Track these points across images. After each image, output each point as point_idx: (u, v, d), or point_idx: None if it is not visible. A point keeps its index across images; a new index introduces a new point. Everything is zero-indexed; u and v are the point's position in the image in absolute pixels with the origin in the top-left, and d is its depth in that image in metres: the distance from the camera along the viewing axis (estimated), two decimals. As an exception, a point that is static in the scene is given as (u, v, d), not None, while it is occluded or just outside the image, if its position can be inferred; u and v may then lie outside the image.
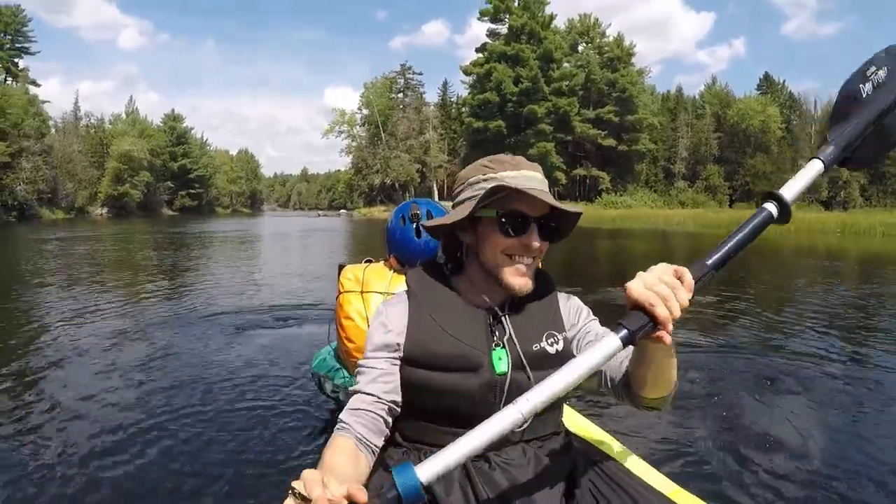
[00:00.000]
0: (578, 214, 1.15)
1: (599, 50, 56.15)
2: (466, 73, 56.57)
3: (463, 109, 59.67)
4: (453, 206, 1.22)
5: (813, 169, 1.00)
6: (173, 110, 77.68)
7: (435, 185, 60.64)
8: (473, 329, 1.13)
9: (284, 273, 10.12)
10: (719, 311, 6.46)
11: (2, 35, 54.45)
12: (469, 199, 1.14)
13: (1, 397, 3.46)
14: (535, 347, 1.13)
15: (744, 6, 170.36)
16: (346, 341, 2.13)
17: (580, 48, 57.59)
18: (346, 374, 2.40)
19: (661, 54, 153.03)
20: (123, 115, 70.46)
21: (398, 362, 1.14)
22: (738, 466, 2.49)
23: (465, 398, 1.10)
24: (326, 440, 1.08)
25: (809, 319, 5.95)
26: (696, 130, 57.28)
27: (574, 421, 1.62)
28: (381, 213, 49.73)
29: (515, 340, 1.13)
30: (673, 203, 51.58)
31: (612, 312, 6.34)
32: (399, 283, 2.04)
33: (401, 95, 69.28)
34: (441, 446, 1.00)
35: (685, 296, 0.84)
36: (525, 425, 0.93)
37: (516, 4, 53.48)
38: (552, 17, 54.67)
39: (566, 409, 1.48)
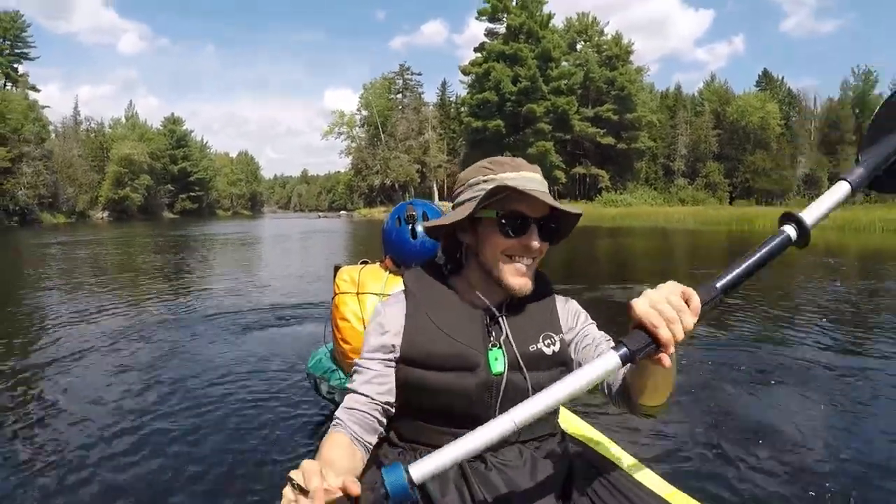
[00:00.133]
0: (578, 215, 1.15)
1: (598, 48, 56.21)
2: (465, 72, 56.63)
3: (462, 109, 59.74)
4: (453, 208, 1.21)
5: (839, 191, 0.93)
6: (173, 114, 77.87)
7: (435, 185, 60.68)
8: (470, 329, 1.14)
9: (285, 274, 10.17)
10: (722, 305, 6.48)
11: (1, 41, 54.55)
12: (469, 200, 1.15)
13: (7, 395, 3.55)
14: (532, 348, 1.14)
15: (743, 3, 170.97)
16: (341, 342, 2.13)
17: (578, 47, 57.63)
18: (341, 375, 2.39)
19: (659, 52, 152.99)
20: (123, 120, 70.59)
21: (393, 364, 1.14)
22: (733, 466, 2.48)
23: (461, 398, 1.10)
24: (321, 441, 1.11)
25: (805, 314, 5.99)
26: (695, 128, 57.31)
27: (570, 422, 1.63)
28: (382, 213, 49.72)
29: (512, 341, 1.13)
30: (673, 200, 51.62)
31: (611, 310, 6.40)
32: (395, 285, 2.04)
33: (400, 96, 69.37)
34: (437, 446, 1.02)
35: (691, 320, 0.82)
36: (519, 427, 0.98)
37: (514, 4, 53.51)
38: (550, 16, 54.74)
39: (562, 410, 1.49)
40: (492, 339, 1.14)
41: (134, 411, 3.22)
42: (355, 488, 0.78)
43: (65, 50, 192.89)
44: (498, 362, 1.11)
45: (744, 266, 0.89)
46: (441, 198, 55.39)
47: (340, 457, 1.04)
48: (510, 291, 1.14)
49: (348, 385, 1.17)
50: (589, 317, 1.26)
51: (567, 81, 52.99)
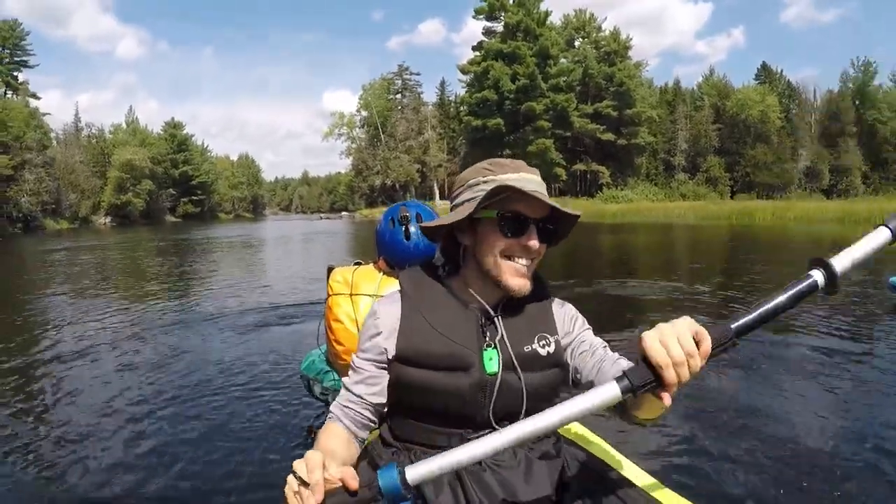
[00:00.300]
0: (576, 217, 1.15)
1: (596, 45, 56.05)
2: (464, 71, 56.60)
3: (461, 108, 59.67)
4: (451, 209, 1.22)
5: (878, 238, 0.88)
6: (173, 118, 77.79)
7: (436, 185, 60.71)
8: (465, 329, 1.14)
9: (287, 275, 10.21)
10: (714, 298, 6.56)
11: (1, 49, 54.67)
12: (468, 200, 1.15)
13: (15, 393, 3.72)
14: (527, 349, 1.14)
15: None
16: (335, 344, 2.12)
17: (576, 43, 57.48)
18: (335, 376, 2.39)
19: (659, 47, 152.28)
20: (124, 125, 70.66)
21: (385, 366, 1.16)
22: (727, 465, 2.46)
23: (455, 397, 1.11)
24: (314, 442, 1.17)
25: (803, 306, 6.03)
26: (695, 122, 57.16)
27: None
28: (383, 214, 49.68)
29: (507, 341, 1.14)
30: (674, 196, 51.53)
31: (611, 305, 6.45)
32: (388, 286, 2.04)
33: (399, 96, 69.37)
34: (431, 446, 1.12)
35: (699, 364, 0.81)
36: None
37: (511, 2, 53.42)
38: (547, 14, 54.66)
39: None
40: (487, 339, 1.14)
41: (134, 410, 3.32)
42: (354, 483, 0.83)
43: (64, 56, 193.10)
44: (492, 362, 1.12)
45: (763, 309, 0.85)
46: (442, 197, 55.43)
47: (339, 447, 1.11)
48: (509, 292, 1.14)
49: (344, 380, 1.20)
50: (586, 322, 1.26)
51: (566, 78, 52.93)
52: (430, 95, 79.32)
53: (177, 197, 73.33)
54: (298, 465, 0.84)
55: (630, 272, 9.56)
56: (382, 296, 1.26)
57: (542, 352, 1.15)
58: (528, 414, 1.08)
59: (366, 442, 1.25)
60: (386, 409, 1.20)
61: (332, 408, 1.18)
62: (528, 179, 1.13)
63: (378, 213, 52.87)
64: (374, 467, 1.15)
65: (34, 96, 56.66)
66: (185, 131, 77.87)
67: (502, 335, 1.14)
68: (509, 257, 1.13)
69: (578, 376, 1.17)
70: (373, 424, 1.19)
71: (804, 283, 0.86)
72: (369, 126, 65.84)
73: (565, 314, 1.25)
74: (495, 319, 1.16)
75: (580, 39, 57.62)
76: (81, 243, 23.56)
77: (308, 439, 2.78)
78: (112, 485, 2.43)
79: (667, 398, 0.82)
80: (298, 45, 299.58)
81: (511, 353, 1.13)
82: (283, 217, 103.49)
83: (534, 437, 0.82)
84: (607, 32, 56.57)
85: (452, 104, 67.01)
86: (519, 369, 1.12)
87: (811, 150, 55.08)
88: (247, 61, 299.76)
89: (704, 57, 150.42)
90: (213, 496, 2.32)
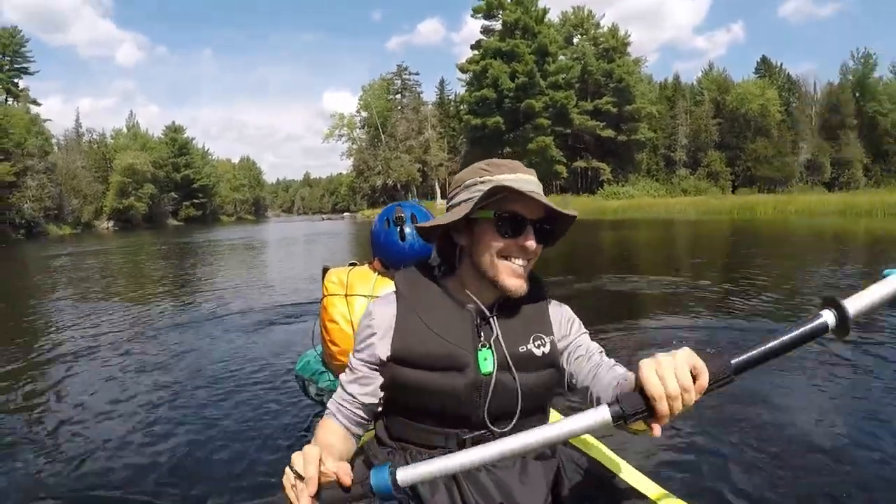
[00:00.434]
0: (573, 217, 1.15)
1: (594, 41, 56.00)
2: (463, 70, 56.61)
3: (461, 107, 59.70)
4: (448, 209, 1.21)
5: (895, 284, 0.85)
6: (174, 122, 77.96)
7: (437, 184, 60.74)
8: (460, 329, 1.14)
9: (289, 276, 10.35)
10: (714, 292, 6.60)
11: (1, 56, 54.83)
12: (465, 201, 1.15)
13: (24, 392, 3.86)
14: (522, 349, 1.14)
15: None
16: (330, 344, 2.12)
17: (575, 40, 57.44)
18: (330, 377, 2.39)
19: (658, 42, 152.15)
20: (124, 130, 70.89)
21: (377, 367, 1.17)
22: (722, 465, 2.43)
23: (450, 398, 1.11)
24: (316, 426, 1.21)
25: (801, 298, 6.09)
26: (695, 117, 57.10)
27: None
28: (385, 214, 49.66)
29: (502, 341, 1.14)
30: (675, 191, 51.49)
31: (613, 301, 6.50)
32: (383, 287, 2.05)
33: (398, 96, 69.43)
34: (427, 446, 1.15)
35: (693, 398, 0.81)
36: (508, 428, 1.06)
37: (509, 0, 53.44)
38: (545, 11, 54.61)
39: (552, 413, 1.50)
40: (482, 339, 1.14)
41: (133, 409, 3.39)
42: (347, 479, 0.86)
43: (64, 62, 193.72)
44: (487, 362, 1.12)
45: (766, 347, 0.83)
46: (443, 196, 54.87)
47: (336, 441, 1.15)
48: (506, 292, 1.14)
49: (341, 377, 1.22)
50: (582, 325, 1.26)
51: (565, 76, 52.91)
52: (429, 95, 79.45)
53: (179, 200, 73.51)
54: (296, 458, 0.88)
55: (630, 268, 9.60)
56: (377, 296, 1.27)
57: (538, 352, 1.16)
58: (524, 414, 1.12)
59: (361, 441, 1.27)
60: (381, 409, 1.21)
61: (328, 404, 1.21)
62: (524, 180, 1.13)
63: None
64: (369, 466, 1.15)
65: (35, 103, 56.78)
66: (185, 135, 78.07)
67: (497, 335, 1.15)
68: (506, 257, 1.13)
69: (574, 381, 1.18)
70: (367, 422, 1.21)
71: (813, 324, 0.84)
72: (369, 126, 65.90)
73: (562, 316, 1.25)
74: (491, 320, 1.16)
75: (578, 36, 57.59)
76: (85, 248, 23.62)
77: (304, 440, 2.80)
78: (108, 480, 2.50)
79: (657, 429, 0.82)
80: (298, 46, 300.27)
81: (506, 353, 1.13)
82: (286, 219, 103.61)
83: (524, 453, 0.83)
84: (605, 29, 56.56)
85: (452, 103, 67.06)
86: (514, 369, 1.12)
87: (812, 144, 54.98)
88: (246, 63, 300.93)
89: (704, 52, 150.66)
90: (209, 494, 2.35)
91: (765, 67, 61.21)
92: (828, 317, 0.84)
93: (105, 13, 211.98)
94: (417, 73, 74.34)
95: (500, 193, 1.09)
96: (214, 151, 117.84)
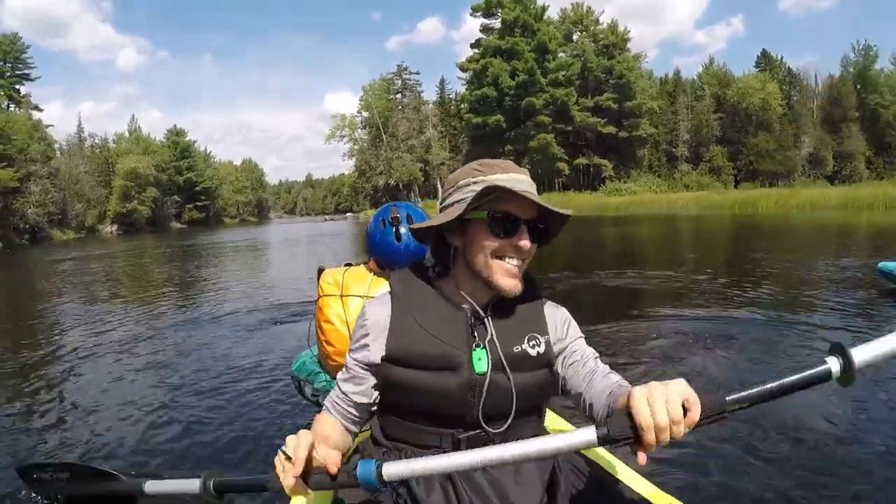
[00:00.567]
0: (567, 216, 1.15)
1: (594, 38, 55.96)
2: (463, 69, 56.65)
3: (462, 106, 59.77)
4: (441, 210, 1.21)
5: None
6: (175, 125, 78.28)
7: (439, 183, 60.73)
8: (454, 329, 1.14)
9: (292, 276, 10.41)
10: (714, 286, 6.64)
11: (2, 63, 55.08)
12: (458, 201, 1.14)
13: (35, 387, 4.04)
14: (516, 349, 1.14)
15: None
16: (325, 345, 2.11)
17: (574, 37, 57.40)
18: (326, 377, 2.39)
19: (658, 37, 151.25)
20: (127, 134, 71.23)
21: (370, 368, 1.17)
22: (716, 464, 2.40)
23: (444, 397, 1.11)
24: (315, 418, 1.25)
25: (802, 290, 6.12)
26: (696, 112, 57.04)
27: (555, 424, 1.64)
28: (387, 214, 49.70)
29: (496, 341, 1.13)
30: (678, 187, 51.41)
31: (614, 297, 6.53)
32: (378, 287, 2.06)
33: (399, 96, 69.49)
34: (421, 445, 1.16)
35: (681, 431, 0.80)
36: (503, 428, 1.08)
37: (508, -2, 53.44)
38: (544, 9, 54.60)
39: (548, 412, 1.49)
40: (476, 339, 1.14)
41: (131, 410, 3.46)
42: (334, 468, 0.92)
43: (64, 68, 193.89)
44: (481, 362, 1.12)
45: (764, 388, 0.82)
46: (445, 195, 55.34)
47: (332, 433, 1.16)
48: (500, 292, 1.14)
49: (338, 374, 1.23)
50: (578, 329, 1.25)
51: (565, 73, 52.92)
52: (430, 94, 79.45)
53: (182, 203, 73.84)
54: (290, 440, 0.92)
55: (632, 264, 9.62)
56: (373, 297, 1.27)
57: (532, 352, 1.15)
58: (519, 414, 1.13)
59: (356, 441, 1.30)
60: (375, 408, 1.22)
61: (325, 401, 1.23)
62: (517, 179, 1.12)
63: (382, 213, 52.96)
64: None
65: (36, 108, 57.14)
66: (187, 138, 78.40)
67: (492, 335, 1.14)
68: (500, 258, 1.12)
69: (567, 387, 1.18)
70: (361, 420, 1.22)
71: (816, 370, 0.82)
72: (371, 127, 65.97)
73: (558, 317, 1.24)
74: (485, 320, 1.16)
75: (578, 33, 57.54)
76: (89, 252, 23.77)
77: None
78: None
79: (642, 457, 0.81)
80: (298, 48, 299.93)
81: (500, 353, 1.13)
82: (288, 220, 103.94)
83: (511, 462, 0.84)
84: (605, 25, 56.52)
85: (453, 102, 67.12)
86: (508, 369, 1.12)
87: (814, 137, 54.85)
88: (247, 66, 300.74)
89: (704, 46, 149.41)
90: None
91: (765, 61, 61.09)
92: (832, 364, 0.82)
93: (105, 18, 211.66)
94: (418, 73, 74.51)
95: (493, 193, 1.09)
96: (217, 154, 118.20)
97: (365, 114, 66.85)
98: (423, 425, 1.15)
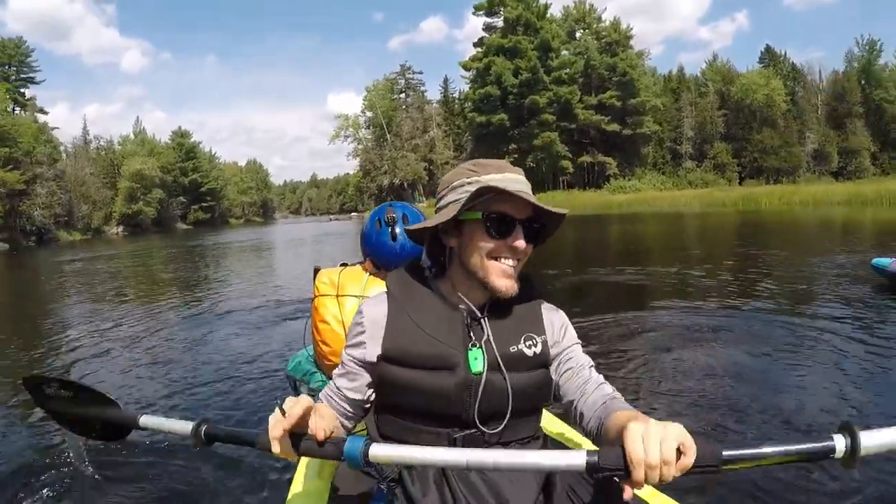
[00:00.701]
0: (562, 215, 1.14)
1: (597, 35, 55.90)
2: (466, 68, 56.71)
3: (465, 105, 59.67)
4: (436, 210, 1.20)
5: None
6: (180, 127, 78.81)
7: (443, 182, 60.77)
8: (451, 329, 1.14)
9: (295, 276, 10.49)
10: (714, 282, 6.69)
11: (7, 67, 55.39)
12: (453, 202, 1.14)
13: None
14: (513, 349, 1.13)
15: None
16: (321, 345, 2.10)
17: (577, 35, 57.34)
18: (322, 377, 2.37)
19: (662, 34, 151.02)
20: (132, 136, 71.57)
21: (365, 366, 1.17)
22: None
23: (440, 397, 1.11)
24: None
25: (803, 286, 6.16)
26: (700, 109, 56.85)
27: (552, 425, 1.64)
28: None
29: (493, 341, 1.13)
30: (682, 184, 51.29)
31: (618, 291, 6.59)
32: (374, 287, 2.05)
33: (402, 96, 69.61)
34: (417, 444, 1.15)
35: (671, 473, 0.79)
36: (499, 428, 1.10)
37: (510, -3, 53.41)
38: (547, 7, 54.61)
39: (545, 413, 1.45)
40: (472, 339, 1.14)
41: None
42: (321, 435, 0.93)
43: (69, 71, 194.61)
44: (477, 362, 1.11)
45: (762, 451, 0.79)
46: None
47: (332, 416, 1.14)
48: (496, 293, 1.13)
49: (334, 371, 1.24)
50: (576, 335, 1.25)
51: (568, 71, 52.88)
52: (434, 93, 79.38)
53: (187, 204, 74.13)
54: (289, 399, 0.93)
55: (636, 261, 9.66)
56: (368, 297, 1.27)
57: (529, 352, 1.15)
58: (515, 414, 1.14)
59: None
60: (370, 406, 1.23)
61: (320, 394, 1.24)
62: (512, 179, 1.12)
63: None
64: None
65: (42, 111, 57.40)
66: (192, 139, 78.80)
67: (488, 336, 1.14)
68: (496, 258, 1.12)
69: (561, 393, 1.18)
70: (354, 416, 1.22)
71: (819, 445, 0.78)
72: (375, 126, 66.14)
73: (556, 320, 1.23)
74: (482, 320, 1.16)
75: (581, 31, 57.48)
76: (96, 253, 23.89)
77: None
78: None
79: (628, 492, 0.82)
80: (301, 48, 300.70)
81: (496, 353, 1.12)
82: (294, 220, 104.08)
83: (498, 469, 0.85)
84: (608, 23, 56.40)
85: (456, 101, 67.10)
86: (504, 369, 1.11)
87: (818, 133, 54.58)
88: (250, 67, 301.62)
89: (708, 43, 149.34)
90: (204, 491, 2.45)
91: (769, 57, 60.79)
92: (839, 443, 0.78)
93: (108, 21, 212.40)
94: (421, 72, 74.66)
95: (488, 194, 1.08)
96: (221, 155, 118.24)
97: (369, 113, 67.04)
98: (419, 424, 1.14)
